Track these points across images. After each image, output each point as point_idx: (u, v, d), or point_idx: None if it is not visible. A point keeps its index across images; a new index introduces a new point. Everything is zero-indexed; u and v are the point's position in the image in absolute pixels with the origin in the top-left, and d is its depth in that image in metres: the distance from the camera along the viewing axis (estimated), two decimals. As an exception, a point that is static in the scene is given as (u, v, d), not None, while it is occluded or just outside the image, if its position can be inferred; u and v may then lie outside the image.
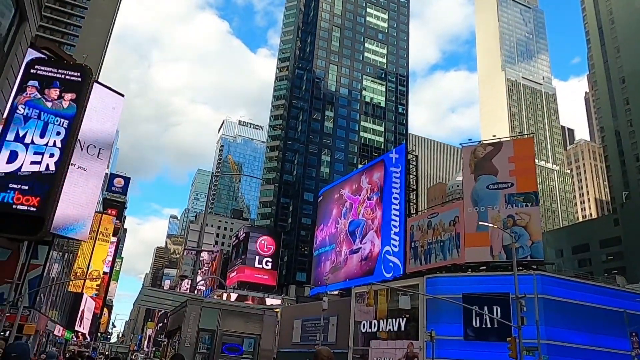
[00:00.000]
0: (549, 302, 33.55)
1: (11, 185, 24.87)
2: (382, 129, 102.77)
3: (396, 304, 39.43)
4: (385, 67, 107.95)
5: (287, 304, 64.35)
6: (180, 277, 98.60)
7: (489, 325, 33.96)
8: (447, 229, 41.20)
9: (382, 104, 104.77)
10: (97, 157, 35.75)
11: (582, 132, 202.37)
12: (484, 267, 38.87)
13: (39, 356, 22.85)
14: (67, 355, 32.81)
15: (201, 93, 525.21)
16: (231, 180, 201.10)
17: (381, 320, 41.31)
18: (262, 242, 77.82)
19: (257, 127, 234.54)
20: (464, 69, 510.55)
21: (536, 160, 54.39)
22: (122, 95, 39.33)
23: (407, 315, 39.01)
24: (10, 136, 25.38)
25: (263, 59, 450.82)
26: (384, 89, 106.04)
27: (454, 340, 34.79)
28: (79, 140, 31.55)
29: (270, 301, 65.62)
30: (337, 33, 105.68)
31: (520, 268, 31.98)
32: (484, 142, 43.67)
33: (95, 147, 35.59)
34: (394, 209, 46.54)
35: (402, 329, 39.24)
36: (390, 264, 45.22)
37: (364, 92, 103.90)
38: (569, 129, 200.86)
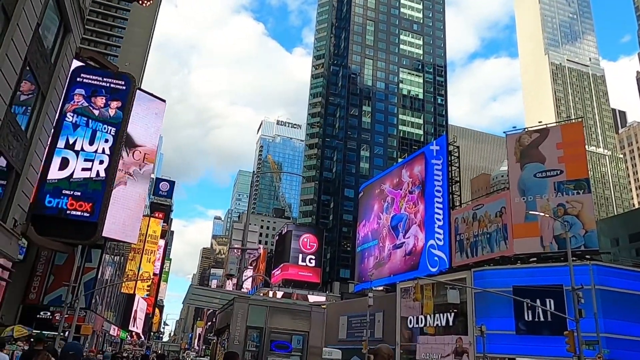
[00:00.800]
0: (607, 294, 31.94)
1: (64, 192, 26.02)
2: (421, 121, 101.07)
3: (443, 299, 38.62)
4: (421, 58, 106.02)
5: (331, 301, 64.40)
6: (227, 276, 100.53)
7: (542, 319, 32.74)
8: (493, 220, 39.98)
9: (420, 96, 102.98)
10: (143, 161, 36.91)
11: (634, 114, 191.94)
12: (534, 259, 37.46)
13: (95, 355, 23.73)
14: (125, 355, 34.08)
15: (240, 95, 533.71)
16: (272, 180, 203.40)
17: (428, 316, 40.60)
18: (305, 239, 78.20)
19: (295, 126, 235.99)
20: (504, 55, 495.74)
21: (586, 146, 51.93)
22: (164, 101, 40.39)
23: (455, 310, 38.16)
24: (61, 143, 26.49)
25: (299, 58, 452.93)
26: (421, 80, 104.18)
27: (505, 335, 33.74)
28: (125, 147, 32.70)
29: (315, 298, 65.83)
30: (371, 27, 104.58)
31: (574, 259, 30.58)
32: (529, 129, 42.00)
33: (140, 152, 36.76)
34: (437, 202, 45.61)
35: (451, 323, 38.43)
36: (435, 258, 44.39)
37: (401, 85, 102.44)
38: (620, 111, 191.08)
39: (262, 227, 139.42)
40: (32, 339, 13.24)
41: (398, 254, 51.15)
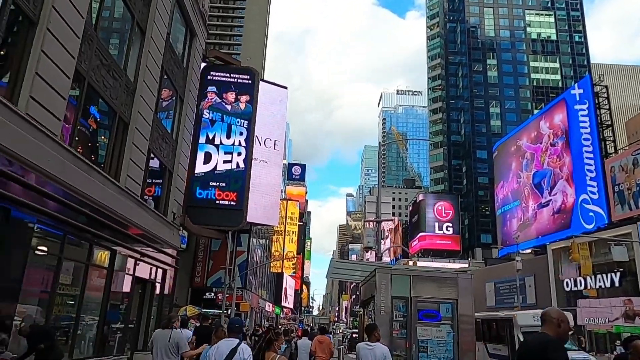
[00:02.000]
0: None
1: (211, 184, 28.61)
2: (556, 65, 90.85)
3: (604, 257, 34.68)
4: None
5: (475, 268, 62.02)
6: (365, 249, 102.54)
7: None
8: (660, 164, 34.58)
9: (553, 37, 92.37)
10: (274, 148, 38.89)
11: None
12: None
13: (261, 331, 25.84)
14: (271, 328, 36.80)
15: (357, 72, 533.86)
16: (398, 151, 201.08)
17: (587, 277, 36.85)
18: (439, 207, 76.14)
19: (415, 93, 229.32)
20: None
21: None
22: (286, 88, 41.95)
23: (620, 269, 34.09)
24: (202, 139, 28.99)
25: (412, 22, 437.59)
26: (552, 19, 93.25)
27: (689, 294, 29.26)
28: (256, 136, 34.72)
29: (457, 266, 63.98)
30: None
31: None
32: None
33: (270, 139, 38.77)
34: (586, 152, 40.80)
35: (617, 284, 34.46)
36: (590, 214, 39.93)
37: (528, 29, 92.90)
38: None
39: (393, 199, 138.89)
40: (201, 317, 14.86)
41: (545, 213, 47.12)
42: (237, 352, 4.93)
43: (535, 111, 74.74)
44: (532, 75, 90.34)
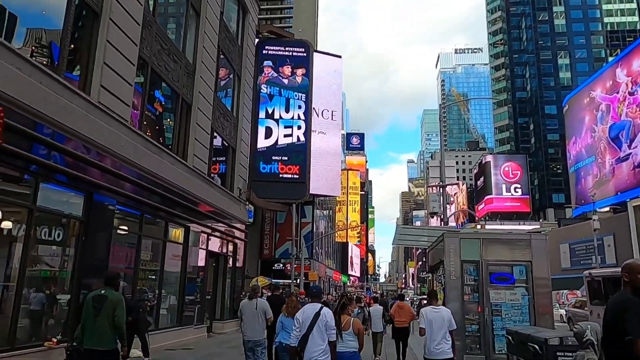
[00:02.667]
0: None
1: (274, 158, 29.22)
2: (633, 5, 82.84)
3: (695, 212, 31.99)
4: None
5: (548, 229, 59.48)
6: (430, 214, 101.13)
7: None
8: None
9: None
10: (332, 119, 38.80)
11: None
12: None
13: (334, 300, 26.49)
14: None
15: (411, 35, 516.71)
16: (459, 113, 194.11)
17: (676, 234, 34.30)
18: (506, 168, 73.16)
19: (475, 50, 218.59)
20: None
21: None
22: (340, 57, 41.40)
23: None
24: (262, 114, 29.45)
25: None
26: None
27: None
28: (314, 108, 34.81)
29: (528, 228, 61.65)
30: None
31: None
32: None
33: (328, 110, 38.66)
34: (671, 99, 37.37)
35: None
36: (677, 166, 36.83)
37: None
38: None
39: (457, 162, 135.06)
40: (272, 287, 15.45)
41: (624, 168, 43.97)
42: (321, 314, 5.58)
43: (610, 58, 68.95)
44: (606, 19, 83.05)
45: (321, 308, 5.68)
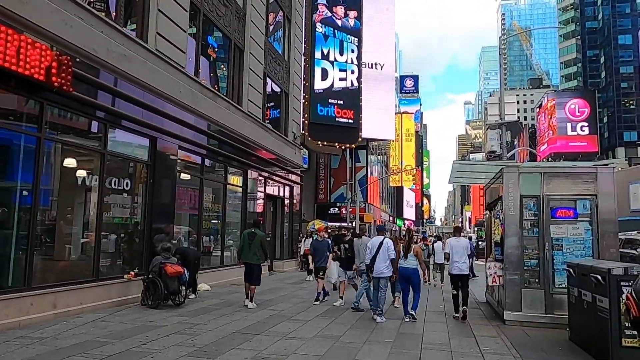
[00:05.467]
0: None
1: (330, 101, 28.96)
2: None
3: None
4: None
5: (617, 168, 56.21)
6: (489, 153, 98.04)
7: None
8: None
9: None
10: (383, 64, 37.69)
11: None
12: None
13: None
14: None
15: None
16: (521, 49, 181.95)
17: None
18: (572, 106, 68.92)
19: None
20: None
21: None
22: (392, -6, 39.62)
23: None
24: (318, 54, 28.85)
25: None
26: None
27: None
28: (366, 50, 33.85)
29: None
30: None
31: None
32: None
33: (380, 53, 37.51)
34: None
35: None
36: None
37: None
38: None
39: (518, 102, 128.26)
40: (328, 230, 16.03)
41: None
42: (384, 243, 8.50)
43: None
44: None
45: (384, 238, 8.59)
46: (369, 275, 8.78)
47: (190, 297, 10.14)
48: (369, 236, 11.38)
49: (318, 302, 10.21)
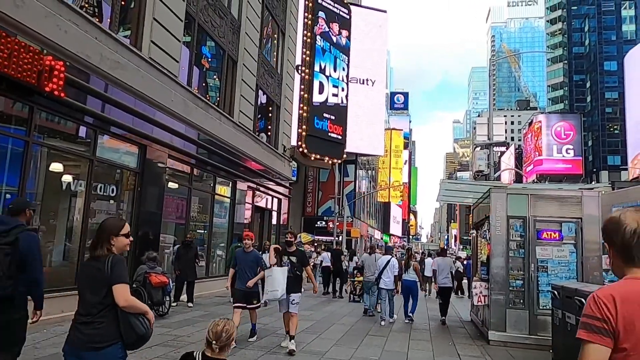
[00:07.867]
0: None
1: (325, 115, 28.94)
2: None
3: None
4: None
5: (600, 192, 57.06)
6: (476, 173, 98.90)
7: None
8: None
9: None
10: (373, 80, 38.04)
11: None
12: None
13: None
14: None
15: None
16: (510, 71, 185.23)
17: None
18: (558, 128, 69.97)
19: (529, 2, 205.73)
20: None
21: None
22: (385, 12, 40.12)
23: None
24: (317, 67, 28.84)
25: None
26: None
27: None
28: (356, 65, 34.15)
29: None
30: None
31: None
32: None
33: (371, 68, 37.89)
34: None
35: None
36: None
37: None
38: None
39: (505, 122, 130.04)
40: (314, 243, 15.91)
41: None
42: (390, 262, 10.32)
43: (681, 9, 63.43)
44: (679, -35, 75.83)
45: (391, 257, 10.57)
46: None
47: (189, 305, 10.71)
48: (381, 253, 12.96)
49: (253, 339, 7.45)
